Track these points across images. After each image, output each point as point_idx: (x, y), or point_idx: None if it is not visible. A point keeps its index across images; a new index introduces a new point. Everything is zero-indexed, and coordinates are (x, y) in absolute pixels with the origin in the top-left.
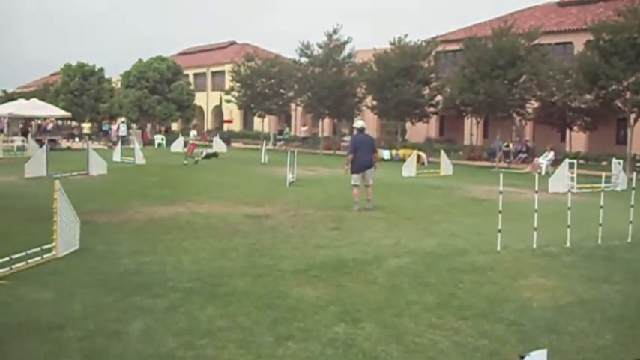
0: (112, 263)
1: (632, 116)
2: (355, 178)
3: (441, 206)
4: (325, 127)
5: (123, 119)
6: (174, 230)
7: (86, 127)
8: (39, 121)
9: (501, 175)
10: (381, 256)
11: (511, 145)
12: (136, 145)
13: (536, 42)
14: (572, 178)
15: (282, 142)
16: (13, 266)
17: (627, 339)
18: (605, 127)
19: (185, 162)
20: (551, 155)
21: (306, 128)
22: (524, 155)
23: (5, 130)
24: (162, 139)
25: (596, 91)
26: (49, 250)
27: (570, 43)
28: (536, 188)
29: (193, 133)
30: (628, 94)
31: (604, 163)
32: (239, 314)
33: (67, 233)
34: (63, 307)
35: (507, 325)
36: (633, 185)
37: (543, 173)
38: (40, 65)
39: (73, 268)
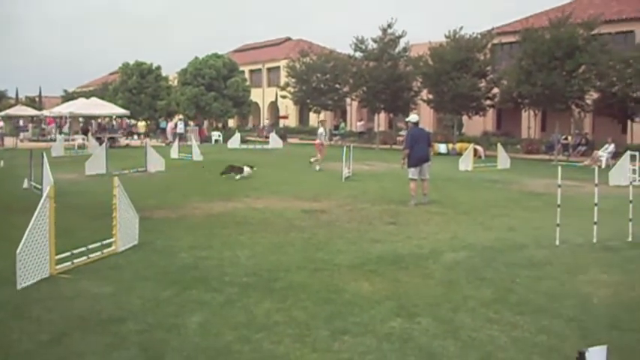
0: (170, 258)
1: None
2: (412, 172)
3: (499, 200)
4: (381, 121)
5: (180, 116)
6: (231, 225)
7: (141, 125)
8: (99, 120)
9: (559, 168)
10: (438, 251)
11: (570, 138)
12: (194, 142)
13: (595, 31)
14: (634, 171)
15: (337, 137)
16: (75, 261)
17: None
18: None
19: (313, 164)
20: (611, 147)
21: (362, 123)
22: (584, 148)
23: (66, 128)
24: (219, 136)
25: None
26: (109, 245)
27: (632, 31)
28: (596, 181)
29: (320, 130)
30: None
31: None
32: (295, 309)
33: (126, 229)
34: (122, 301)
35: (567, 321)
36: None
37: (604, 166)
38: (100, 65)
39: (132, 263)
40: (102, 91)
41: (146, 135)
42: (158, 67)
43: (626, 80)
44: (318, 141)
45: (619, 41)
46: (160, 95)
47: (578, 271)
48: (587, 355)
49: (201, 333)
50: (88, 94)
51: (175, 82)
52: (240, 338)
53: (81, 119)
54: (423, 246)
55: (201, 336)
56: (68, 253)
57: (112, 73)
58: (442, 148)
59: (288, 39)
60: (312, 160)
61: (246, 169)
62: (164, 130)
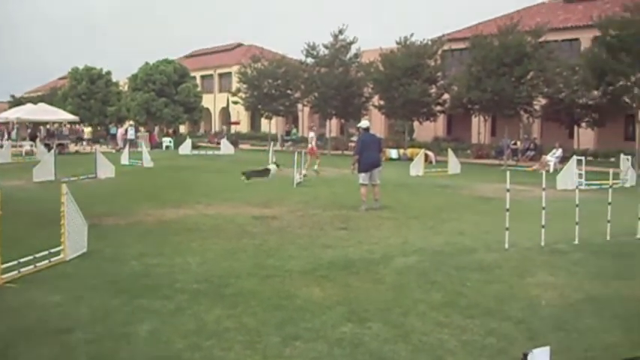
0: (119, 266)
1: None
2: (363, 177)
3: (449, 205)
4: (332, 127)
5: (131, 122)
6: (182, 232)
7: (87, 131)
8: (47, 126)
9: (508, 173)
10: (389, 256)
11: (519, 143)
12: (144, 148)
13: (542, 39)
14: (580, 175)
15: (289, 143)
16: (22, 270)
17: (637, 336)
18: (614, 124)
19: (304, 174)
20: (559, 152)
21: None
22: (532, 153)
23: (14, 134)
24: (170, 142)
25: (604, 88)
26: (57, 253)
27: (577, 39)
28: (544, 185)
29: (311, 134)
30: (636, 90)
31: (612, 159)
32: (246, 315)
33: (74, 236)
34: (71, 310)
35: (515, 324)
36: None
37: (552, 170)
38: (48, 70)
39: (80, 272)
40: (50, 97)
41: (95, 141)
42: (108, 73)
43: (573, 87)
44: (310, 146)
45: (565, 49)
46: (110, 101)
47: (527, 273)
48: (530, 356)
49: (151, 341)
50: (36, 100)
51: (126, 88)
52: (191, 346)
53: (29, 125)
54: (374, 251)
55: (151, 344)
56: (15, 262)
57: (61, 78)
58: (393, 153)
59: (240, 44)
60: (315, 168)
61: (272, 168)
62: (114, 136)
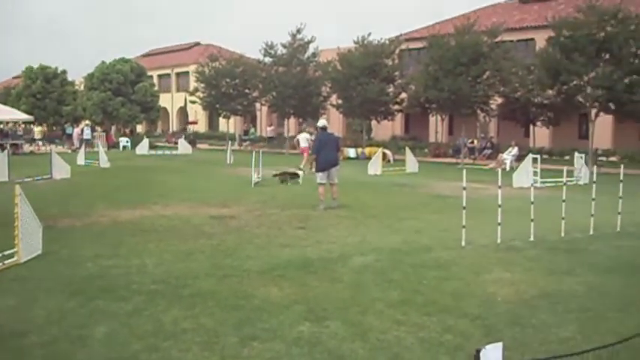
0: (75, 268)
1: (593, 111)
2: (321, 177)
3: (407, 203)
4: (291, 126)
5: (87, 122)
6: (138, 233)
7: (37, 130)
8: (1, 126)
9: (464, 172)
10: (346, 255)
11: (476, 142)
12: (100, 148)
13: (498, 39)
14: (535, 173)
15: (247, 143)
16: None
17: (589, 330)
18: (568, 122)
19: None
20: (515, 151)
21: (271, 128)
22: (489, 151)
23: None
24: (127, 142)
25: (558, 87)
26: (11, 255)
27: (532, 39)
28: (500, 183)
29: (305, 135)
30: (589, 89)
31: (567, 157)
32: (204, 316)
33: (29, 238)
34: (25, 313)
35: (471, 320)
36: (594, 179)
37: (508, 168)
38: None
39: (35, 274)
40: (4, 96)
41: (51, 141)
42: (64, 72)
43: (528, 86)
44: (304, 145)
45: (521, 48)
46: (65, 100)
47: (483, 270)
48: (483, 352)
49: (107, 343)
50: None
51: (82, 87)
52: (148, 347)
53: None
54: (331, 250)
55: (107, 346)
56: None
57: (14, 77)
58: (351, 152)
59: (197, 44)
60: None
61: (300, 174)
62: (70, 135)
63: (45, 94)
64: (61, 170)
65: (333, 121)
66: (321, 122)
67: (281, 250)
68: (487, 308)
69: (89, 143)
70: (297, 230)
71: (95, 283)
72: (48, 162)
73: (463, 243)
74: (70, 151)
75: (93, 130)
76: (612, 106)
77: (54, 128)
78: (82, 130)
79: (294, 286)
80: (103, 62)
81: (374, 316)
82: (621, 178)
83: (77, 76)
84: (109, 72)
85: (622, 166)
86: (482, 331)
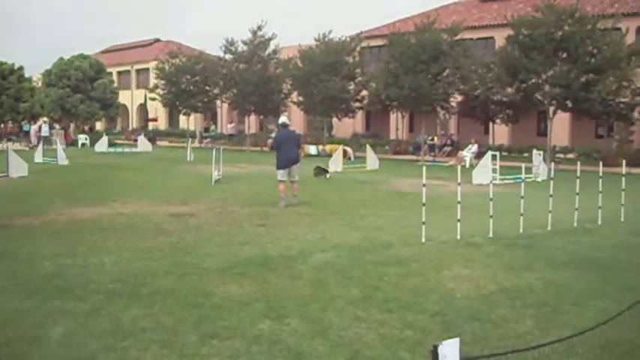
0: (31, 267)
1: (551, 109)
2: (281, 174)
3: (367, 200)
4: (252, 123)
5: (45, 119)
6: (97, 231)
7: None
8: None
9: (424, 168)
10: (307, 252)
11: (436, 139)
12: (59, 146)
13: (458, 37)
14: (494, 170)
15: (208, 140)
16: None
17: (547, 324)
18: (527, 120)
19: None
20: (474, 148)
21: (232, 125)
22: (449, 148)
23: None
24: (86, 139)
25: (517, 85)
26: None
27: (492, 38)
28: (459, 180)
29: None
30: (547, 88)
31: (526, 154)
32: (163, 314)
33: None
34: None
35: (431, 316)
36: (552, 175)
37: (467, 165)
38: None
39: None
40: None
41: (9, 139)
42: (21, 68)
43: (488, 84)
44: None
45: (480, 47)
46: (23, 97)
47: (443, 266)
48: (440, 348)
49: (64, 344)
50: None
51: (39, 84)
52: (106, 347)
53: None
54: (292, 247)
55: (64, 347)
56: None
57: None
58: (312, 149)
59: (158, 40)
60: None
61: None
62: (27, 133)
63: (1, 91)
64: (18, 168)
65: (294, 119)
66: (282, 119)
67: (241, 247)
68: (447, 304)
69: (47, 140)
70: (257, 228)
71: (52, 282)
72: (4, 160)
73: (423, 239)
74: (27, 148)
75: (51, 128)
76: (569, 104)
77: (11, 125)
78: (40, 128)
79: (254, 283)
80: (62, 58)
81: (334, 313)
82: (578, 174)
83: (35, 72)
84: (68, 68)
85: (579, 162)
86: (442, 326)
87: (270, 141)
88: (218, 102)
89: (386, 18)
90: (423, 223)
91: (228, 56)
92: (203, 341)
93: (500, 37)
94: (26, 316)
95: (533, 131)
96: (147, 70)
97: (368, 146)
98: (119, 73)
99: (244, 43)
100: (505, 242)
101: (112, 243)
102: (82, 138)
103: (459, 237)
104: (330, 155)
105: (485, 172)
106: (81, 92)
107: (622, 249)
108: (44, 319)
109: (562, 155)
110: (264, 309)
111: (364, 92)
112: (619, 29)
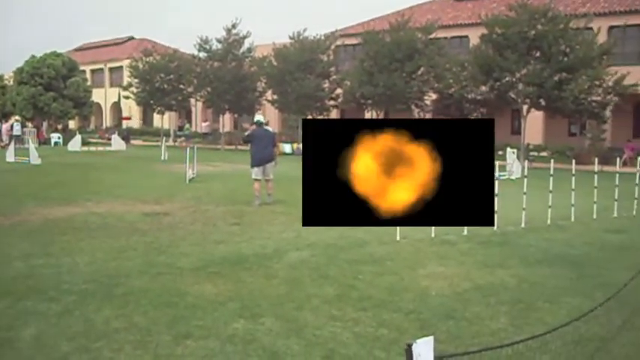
0: (3, 267)
1: (525, 107)
2: (256, 172)
3: None
4: (226, 122)
5: (17, 118)
6: (70, 231)
7: None
8: None
9: None
10: (282, 250)
11: None
12: (31, 145)
13: (433, 36)
14: None
15: (182, 139)
16: None
17: (521, 321)
18: (501, 118)
19: None
20: None
21: (206, 124)
22: None
23: None
24: (59, 138)
25: (491, 83)
26: None
27: (466, 36)
28: None
29: None
30: (520, 86)
31: (500, 152)
32: (136, 314)
33: None
34: None
35: (406, 314)
36: (526, 173)
37: None
38: None
39: None
40: None
41: None
42: None
43: (462, 82)
44: None
45: (455, 45)
46: None
47: (418, 265)
48: (414, 346)
49: (36, 345)
50: None
51: (11, 82)
52: (78, 348)
53: None
54: (266, 246)
55: (36, 349)
56: None
57: None
58: (287, 148)
59: (131, 38)
60: None
61: None
62: None
63: None
64: None
65: (269, 117)
66: (257, 117)
67: (215, 246)
68: (421, 302)
69: (19, 139)
70: (231, 226)
71: (24, 283)
72: None
73: (398, 237)
74: None
75: (23, 126)
76: (543, 102)
77: None
78: (12, 126)
79: (229, 282)
80: (34, 56)
81: (309, 312)
82: (551, 172)
83: (6, 70)
84: (40, 66)
85: (552, 160)
86: (417, 325)
87: (245, 133)
88: (192, 100)
89: (362, 17)
90: None
91: (202, 54)
92: (177, 341)
93: (474, 36)
94: None
95: (507, 129)
96: (121, 68)
97: None
98: (92, 71)
99: (218, 41)
100: (479, 240)
101: (85, 243)
102: (55, 137)
103: (433, 235)
104: None
105: None
106: (54, 90)
107: (595, 246)
108: (15, 321)
109: (536, 153)
110: (239, 308)
111: (339, 90)
112: (591, 29)
